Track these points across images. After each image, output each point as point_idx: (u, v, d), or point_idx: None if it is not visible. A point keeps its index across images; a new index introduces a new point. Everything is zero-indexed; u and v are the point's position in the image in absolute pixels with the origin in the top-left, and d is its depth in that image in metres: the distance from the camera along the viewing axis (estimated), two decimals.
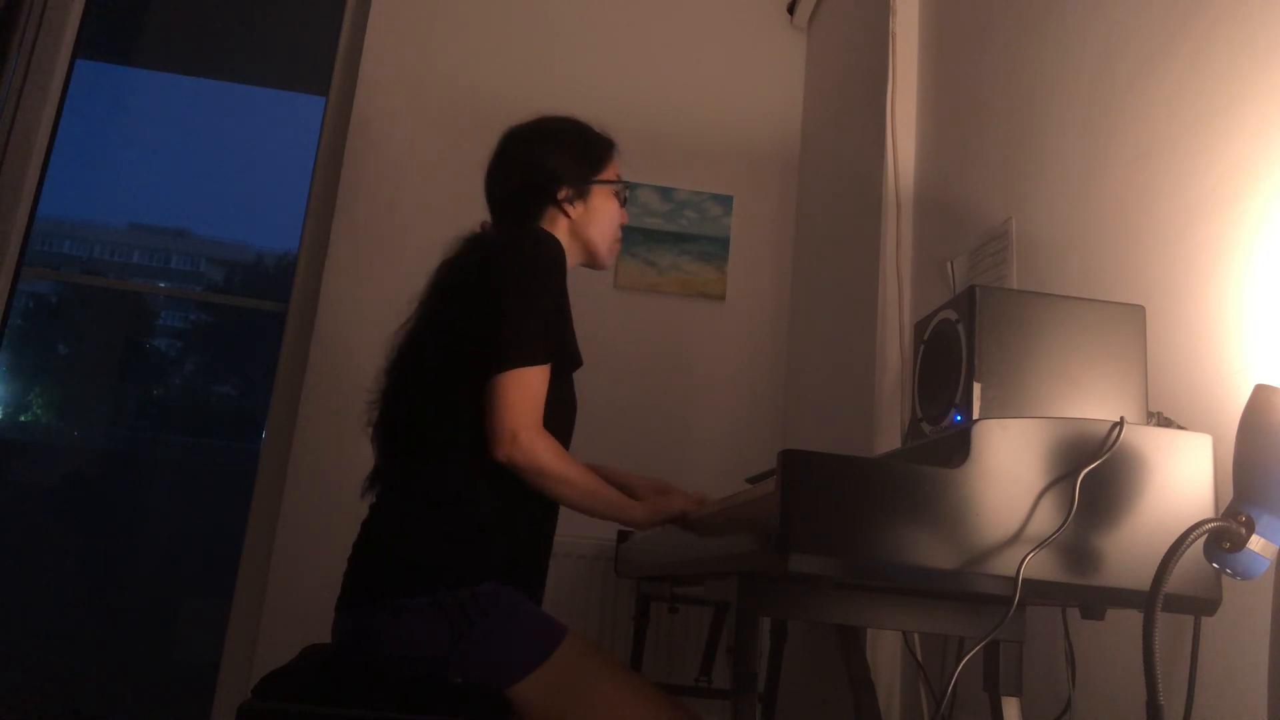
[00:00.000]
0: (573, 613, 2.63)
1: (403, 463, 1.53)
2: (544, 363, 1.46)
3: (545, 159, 1.66)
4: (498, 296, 1.45)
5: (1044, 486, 0.96)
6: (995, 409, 1.12)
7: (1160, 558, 0.87)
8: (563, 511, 1.57)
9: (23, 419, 3.19)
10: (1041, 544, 0.94)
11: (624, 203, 1.73)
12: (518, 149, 1.70)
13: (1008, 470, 0.96)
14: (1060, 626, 1.39)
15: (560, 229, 1.65)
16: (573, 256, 1.68)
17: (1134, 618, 1.17)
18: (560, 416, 1.54)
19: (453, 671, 1.38)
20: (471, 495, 1.47)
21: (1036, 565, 0.93)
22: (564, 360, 1.52)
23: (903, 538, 0.92)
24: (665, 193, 3.07)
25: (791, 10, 3.24)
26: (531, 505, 1.54)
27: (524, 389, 1.42)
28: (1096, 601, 1.00)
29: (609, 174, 1.71)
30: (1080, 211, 1.57)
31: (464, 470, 1.48)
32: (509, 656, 1.38)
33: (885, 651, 2.03)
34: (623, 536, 2.28)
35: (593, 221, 1.68)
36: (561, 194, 1.65)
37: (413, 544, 1.45)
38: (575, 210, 1.66)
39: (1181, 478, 0.99)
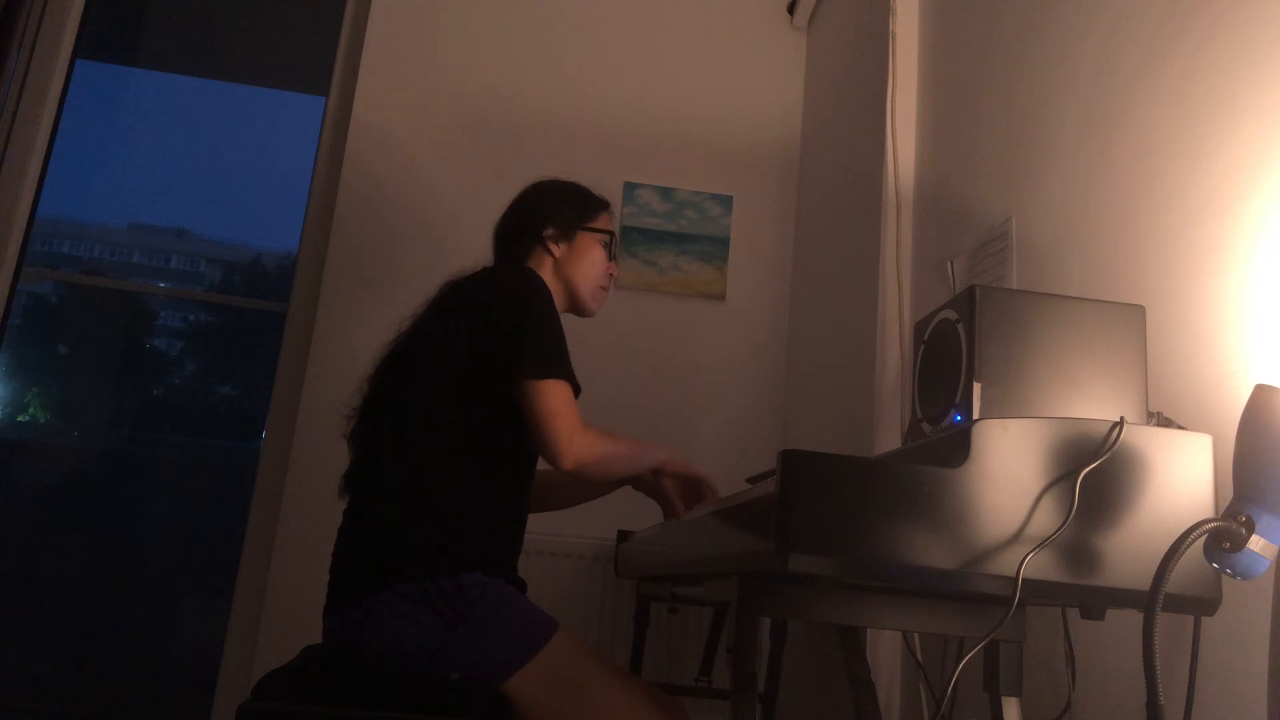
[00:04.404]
0: (573, 613, 2.63)
1: (382, 466, 1.56)
2: (573, 383, 1.55)
3: (540, 203, 1.82)
4: (519, 317, 1.53)
5: (1044, 486, 0.96)
6: (995, 409, 1.12)
7: (1160, 558, 0.87)
8: (561, 513, 1.59)
9: (22, 419, 3.19)
10: (1041, 544, 0.94)
11: (612, 256, 1.84)
12: (520, 198, 1.86)
13: (1008, 470, 0.96)
14: (1060, 626, 1.39)
15: (546, 268, 1.77)
16: (557, 298, 1.76)
17: (1134, 618, 1.17)
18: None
19: (446, 666, 1.38)
20: (449, 495, 1.52)
21: (1036, 565, 0.93)
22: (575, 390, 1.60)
23: (903, 538, 0.92)
24: (665, 193, 3.07)
25: (791, 10, 3.24)
26: (507, 507, 1.60)
27: (562, 396, 1.51)
28: (1096, 601, 1.00)
29: (598, 224, 1.83)
30: (1080, 211, 1.57)
31: (444, 473, 1.52)
32: (502, 649, 1.38)
33: (885, 651, 2.03)
34: (623, 536, 2.28)
35: (577, 263, 1.79)
36: (548, 233, 1.77)
37: (393, 535, 1.49)
38: (559, 250, 1.78)
39: (1181, 478, 0.99)
